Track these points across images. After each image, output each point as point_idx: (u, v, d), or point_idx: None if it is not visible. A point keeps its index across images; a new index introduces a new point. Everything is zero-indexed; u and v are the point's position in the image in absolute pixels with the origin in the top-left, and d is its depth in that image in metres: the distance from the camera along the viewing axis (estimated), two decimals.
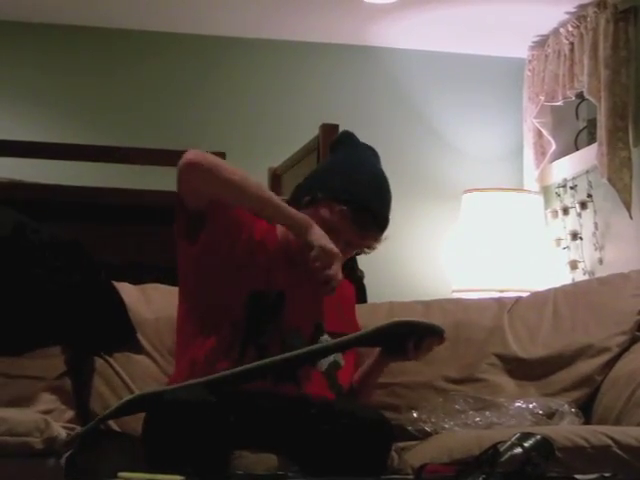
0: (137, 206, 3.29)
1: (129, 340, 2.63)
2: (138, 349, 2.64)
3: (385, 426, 2.23)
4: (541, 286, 3.66)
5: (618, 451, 2.27)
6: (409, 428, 2.56)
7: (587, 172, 4.03)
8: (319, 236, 2.27)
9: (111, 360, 2.61)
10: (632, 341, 2.81)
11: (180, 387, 2.15)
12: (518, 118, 4.51)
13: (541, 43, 4.36)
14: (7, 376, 2.46)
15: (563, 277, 4.05)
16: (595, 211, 3.99)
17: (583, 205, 4.06)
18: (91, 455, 2.22)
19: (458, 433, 2.48)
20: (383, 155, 2.56)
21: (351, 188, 2.39)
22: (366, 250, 2.45)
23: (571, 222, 4.13)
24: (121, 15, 4.27)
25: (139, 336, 2.65)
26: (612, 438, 2.29)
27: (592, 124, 4.20)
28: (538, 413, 2.56)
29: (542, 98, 4.28)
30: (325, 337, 2.38)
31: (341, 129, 3.39)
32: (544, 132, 4.35)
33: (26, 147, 3.73)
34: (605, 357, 2.76)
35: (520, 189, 4.40)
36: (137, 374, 2.60)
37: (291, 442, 2.23)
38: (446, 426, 2.52)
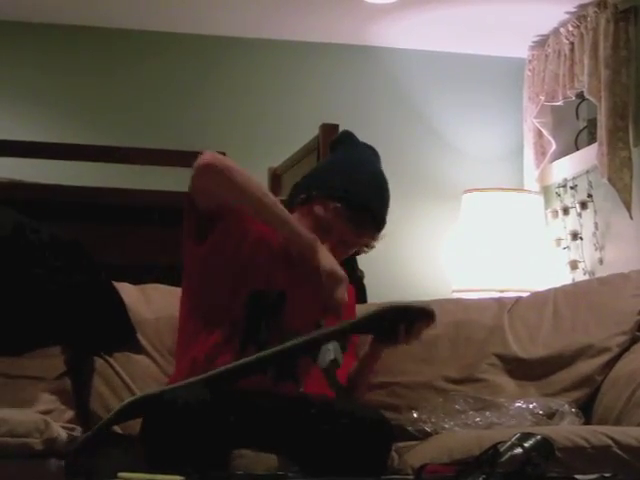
0: (137, 206, 3.29)
1: (129, 340, 2.63)
2: (138, 349, 2.64)
3: (385, 426, 2.23)
4: (541, 286, 3.66)
5: (618, 451, 2.27)
6: (409, 428, 2.56)
7: (587, 172, 4.03)
8: (326, 259, 2.26)
9: (111, 360, 2.61)
10: (632, 341, 2.80)
11: (180, 387, 2.14)
12: (518, 118, 4.51)
13: (541, 43, 4.36)
14: (7, 376, 2.46)
15: (563, 277, 4.05)
16: (595, 211, 3.99)
17: (583, 205, 4.06)
18: (91, 455, 2.22)
19: (458, 433, 2.48)
20: (383, 155, 2.56)
21: (347, 186, 2.38)
22: (364, 249, 2.45)
23: (571, 222, 4.13)
24: (121, 15, 4.27)
25: (139, 336, 2.65)
26: (612, 438, 2.29)
27: (592, 124, 4.20)
28: (538, 413, 2.56)
29: (542, 98, 4.28)
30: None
31: (341, 129, 3.39)
32: (544, 132, 4.35)
33: (26, 147, 3.73)
34: (605, 357, 2.76)
35: (520, 189, 4.40)
36: (137, 374, 2.60)
37: (291, 442, 2.23)
38: (446, 426, 2.52)
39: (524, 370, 2.78)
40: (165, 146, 3.90)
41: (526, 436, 1.84)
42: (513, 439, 1.82)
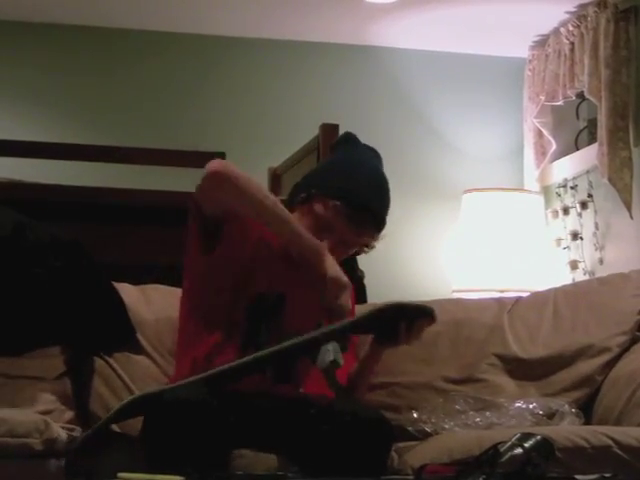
0: (137, 206, 3.29)
1: (129, 340, 2.63)
2: (138, 349, 2.63)
3: (385, 426, 2.23)
4: (541, 286, 3.66)
5: (618, 451, 2.27)
6: (409, 428, 2.56)
7: (587, 172, 4.03)
8: (331, 266, 2.26)
9: (111, 360, 2.61)
10: (632, 341, 2.80)
11: (180, 386, 2.14)
12: (518, 118, 4.51)
13: (541, 43, 4.36)
14: (7, 376, 2.46)
15: (563, 277, 4.05)
16: (595, 211, 3.99)
17: (583, 205, 4.06)
18: (91, 456, 2.22)
19: (458, 433, 2.48)
20: (383, 155, 2.56)
21: (347, 185, 2.38)
22: (365, 249, 2.45)
23: (571, 222, 4.13)
24: (121, 15, 4.27)
25: (139, 336, 2.65)
26: (612, 438, 2.29)
27: (592, 124, 4.20)
28: (538, 413, 2.56)
29: (542, 98, 4.28)
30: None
31: (341, 129, 3.41)
32: (544, 132, 4.35)
33: (26, 147, 3.73)
34: (605, 357, 2.76)
35: (520, 189, 4.39)
36: (137, 374, 2.60)
37: (291, 442, 2.23)
38: (446, 426, 2.52)
39: (524, 370, 2.78)
40: (165, 146, 3.90)
41: (526, 436, 1.83)
42: (513, 439, 1.82)
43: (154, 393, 2.17)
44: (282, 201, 2.37)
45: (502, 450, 1.79)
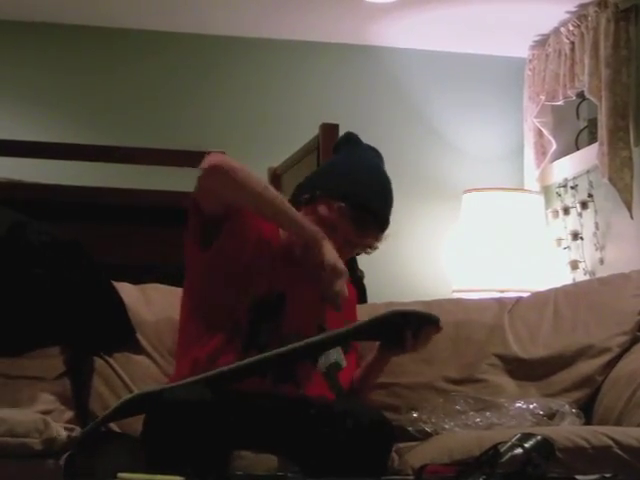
0: (137, 206, 3.29)
1: (129, 340, 2.63)
2: (138, 349, 2.63)
3: (385, 427, 2.23)
4: (542, 286, 3.65)
5: (619, 452, 2.27)
6: (409, 429, 2.56)
7: (588, 172, 4.03)
8: (328, 253, 2.27)
9: (111, 360, 2.61)
10: (633, 341, 2.80)
11: (180, 387, 2.14)
12: (518, 118, 4.51)
13: (542, 42, 4.35)
14: (7, 376, 2.46)
15: (564, 277, 4.05)
16: (596, 211, 3.99)
17: (584, 205, 4.05)
18: (90, 456, 2.22)
19: (458, 434, 2.47)
20: (383, 155, 2.56)
21: (350, 186, 2.39)
22: (368, 250, 2.45)
23: (572, 222, 4.13)
24: (121, 14, 4.27)
25: (139, 336, 2.65)
26: (613, 439, 2.29)
27: (593, 124, 4.19)
28: (539, 414, 2.56)
29: (543, 97, 4.28)
30: None
31: (341, 129, 3.40)
32: (545, 132, 4.35)
33: (27, 147, 3.73)
34: (606, 357, 2.76)
35: (521, 189, 4.39)
36: (137, 374, 2.60)
37: (291, 443, 2.23)
38: (446, 427, 2.51)
39: (524, 370, 2.78)
40: (165, 146, 3.89)
41: (526, 436, 1.83)
42: (513, 439, 1.82)
43: (153, 392, 2.16)
44: None
45: (502, 450, 1.79)
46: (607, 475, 1.93)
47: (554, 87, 4.19)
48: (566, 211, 4.17)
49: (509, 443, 1.81)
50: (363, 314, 2.66)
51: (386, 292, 3.51)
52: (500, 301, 3.04)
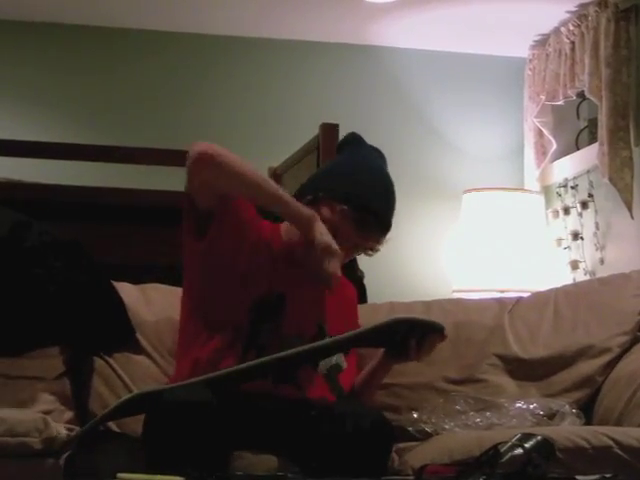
0: (137, 206, 3.29)
1: (128, 340, 2.63)
2: (137, 349, 2.63)
3: (386, 427, 2.22)
4: (542, 286, 3.65)
5: (619, 452, 2.27)
6: (409, 429, 2.56)
7: (588, 172, 4.03)
8: (321, 232, 2.27)
9: (110, 360, 2.60)
10: (633, 341, 2.80)
11: (180, 387, 2.14)
12: (519, 117, 4.51)
13: (542, 42, 4.35)
14: (7, 376, 2.46)
15: (564, 277, 4.05)
16: (596, 211, 3.99)
17: (584, 205, 4.05)
18: (90, 456, 2.22)
19: (458, 434, 2.47)
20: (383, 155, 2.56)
21: (353, 188, 2.38)
22: (369, 252, 2.44)
23: (572, 222, 4.13)
24: (121, 14, 4.27)
25: (139, 336, 2.65)
26: (613, 439, 2.29)
27: (593, 123, 4.19)
28: (539, 414, 2.56)
29: (543, 97, 4.28)
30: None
31: (341, 129, 3.41)
32: (545, 131, 4.35)
33: (27, 147, 3.73)
34: (606, 357, 2.75)
35: (521, 189, 4.39)
36: (137, 374, 2.59)
37: (291, 444, 2.23)
38: (446, 427, 2.51)
39: (525, 370, 2.78)
40: (165, 146, 3.89)
41: (527, 437, 1.83)
42: (514, 440, 1.82)
43: (153, 392, 2.16)
44: None
45: (502, 450, 1.79)
46: (607, 475, 1.93)
47: (554, 87, 4.19)
48: (566, 211, 4.16)
49: (509, 443, 1.81)
50: (363, 314, 2.66)
51: (386, 292, 3.51)
52: (500, 301, 3.04)
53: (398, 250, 4.24)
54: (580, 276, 4.02)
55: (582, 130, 4.40)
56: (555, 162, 4.35)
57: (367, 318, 2.67)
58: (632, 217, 3.70)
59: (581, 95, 4.14)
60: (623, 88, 3.73)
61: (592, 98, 3.89)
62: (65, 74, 4.35)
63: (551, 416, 2.57)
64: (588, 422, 2.65)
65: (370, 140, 2.57)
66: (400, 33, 4.40)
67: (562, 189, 4.21)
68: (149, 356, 2.64)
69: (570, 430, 2.38)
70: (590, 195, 4.01)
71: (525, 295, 3.20)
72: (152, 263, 3.13)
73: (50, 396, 2.45)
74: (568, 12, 4.10)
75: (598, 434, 2.31)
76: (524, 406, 2.58)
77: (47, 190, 3.36)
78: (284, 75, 4.49)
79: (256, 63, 4.46)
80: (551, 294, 3.00)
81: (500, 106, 4.58)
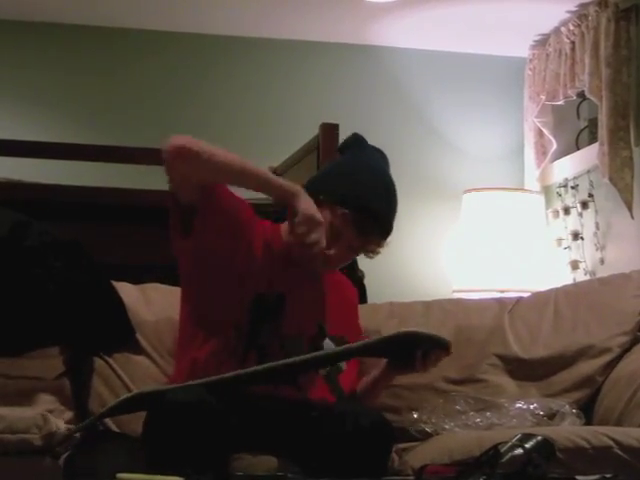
0: (137, 206, 3.29)
1: (128, 340, 2.63)
2: (137, 349, 2.63)
3: (386, 427, 2.22)
4: (542, 286, 3.65)
5: (619, 452, 2.27)
6: (410, 429, 2.56)
7: (588, 172, 4.03)
8: (305, 203, 2.27)
9: (110, 360, 2.60)
10: (633, 342, 2.80)
11: (181, 387, 2.14)
12: (519, 117, 4.51)
13: (542, 42, 4.35)
14: (7, 376, 2.46)
15: (564, 277, 4.05)
16: (596, 211, 3.99)
17: (584, 205, 4.05)
18: (90, 456, 2.22)
19: (459, 434, 2.47)
20: None
21: (354, 191, 2.37)
22: (370, 255, 2.43)
23: (572, 222, 4.13)
24: (121, 14, 4.27)
25: (138, 336, 2.65)
26: (613, 439, 2.29)
27: (593, 123, 4.19)
28: (539, 414, 2.56)
29: (543, 97, 4.28)
30: (327, 341, 2.37)
31: (341, 129, 3.40)
32: (545, 131, 4.35)
33: (27, 147, 3.72)
34: (606, 358, 2.75)
35: (521, 189, 4.39)
36: (136, 374, 2.59)
37: (292, 444, 2.22)
38: (446, 427, 2.51)
39: (525, 370, 2.78)
40: None
41: (527, 437, 1.83)
42: (514, 440, 1.82)
43: (153, 392, 2.16)
44: None
45: (503, 451, 1.79)
46: (607, 475, 1.93)
47: (554, 87, 4.19)
48: (566, 211, 4.16)
49: (509, 443, 1.81)
50: (363, 314, 2.66)
51: (386, 292, 3.51)
52: (500, 301, 3.04)
53: (398, 250, 4.24)
54: (580, 276, 4.02)
55: (582, 130, 4.40)
56: (555, 162, 4.35)
57: (367, 319, 2.68)
58: (632, 217, 3.69)
59: (581, 95, 4.14)
60: (623, 88, 3.73)
61: (592, 98, 3.89)
62: (65, 74, 4.35)
63: (551, 416, 2.57)
64: (588, 422, 2.65)
65: (370, 140, 2.56)
66: (400, 33, 4.39)
67: (562, 189, 4.21)
68: (149, 356, 2.64)
69: (570, 430, 2.38)
70: (590, 195, 4.01)
71: (525, 295, 3.20)
72: (152, 263, 3.12)
73: (50, 396, 2.45)
74: (568, 12, 4.10)
75: (598, 434, 2.31)
76: (524, 406, 2.58)
77: (47, 190, 3.36)
78: (284, 75, 4.49)
79: (256, 63, 4.46)
80: (551, 294, 2.99)
81: (500, 106, 4.58)
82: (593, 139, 4.16)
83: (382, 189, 2.43)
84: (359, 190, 2.38)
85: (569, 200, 4.16)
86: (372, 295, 3.29)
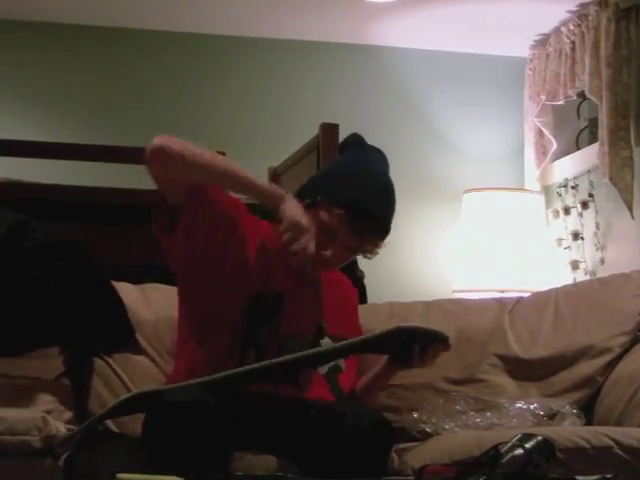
0: (137, 206, 3.28)
1: (128, 340, 2.63)
2: (137, 349, 2.63)
3: (385, 427, 2.22)
4: (542, 286, 3.65)
5: (619, 452, 2.26)
6: (410, 429, 2.56)
7: (588, 172, 4.03)
8: (291, 209, 2.25)
9: (110, 360, 2.60)
10: (634, 342, 2.80)
11: (179, 387, 2.14)
12: (519, 117, 4.51)
13: (542, 42, 4.35)
14: (7, 376, 2.46)
15: (564, 277, 4.05)
16: (596, 211, 3.99)
17: (584, 205, 4.05)
18: (90, 456, 2.22)
19: (459, 434, 2.47)
20: None
21: (351, 192, 2.36)
22: (367, 255, 2.43)
23: (572, 222, 4.13)
24: (121, 14, 4.27)
25: (138, 336, 2.65)
26: (613, 439, 2.28)
27: (593, 123, 4.19)
28: (539, 414, 2.55)
29: (543, 97, 4.28)
30: (326, 341, 2.37)
31: (341, 129, 3.40)
32: (545, 131, 4.35)
33: (27, 147, 3.72)
34: (606, 358, 2.75)
35: (521, 189, 4.39)
36: (136, 374, 2.59)
37: (291, 444, 2.22)
38: (447, 427, 2.51)
39: (525, 371, 2.77)
40: None
41: (527, 437, 1.83)
42: (514, 440, 1.82)
43: (153, 392, 2.16)
44: None
45: (503, 451, 1.79)
46: (608, 476, 1.92)
47: (555, 87, 4.19)
48: (567, 211, 4.16)
49: (509, 443, 1.81)
50: (363, 314, 2.66)
51: (386, 292, 3.51)
52: (500, 301, 3.04)
53: (398, 250, 4.24)
54: (580, 276, 4.02)
55: (582, 130, 4.40)
56: (555, 162, 4.35)
57: (367, 319, 2.67)
58: (632, 217, 3.69)
59: (581, 95, 4.14)
60: (623, 88, 3.73)
61: (592, 98, 3.89)
62: (65, 74, 4.35)
63: (551, 416, 2.56)
64: (588, 422, 2.64)
65: (370, 140, 2.56)
66: (400, 33, 4.40)
67: (562, 189, 4.21)
68: (148, 356, 2.64)
69: (570, 430, 2.38)
70: (590, 195, 4.01)
71: (525, 295, 3.20)
72: (152, 263, 3.10)
73: (50, 396, 2.45)
74: (568, 12, 4.10)
75: (598, 434, 2.31)
76: (524, 406, 2.57)
77: (47, 190, 3.36)
78: (284, 75, 4.49)
79: (256, 63, 4.46)
80: (551, 294, 2.99)
81: (500, 106, 4.58)
82: (593, 139, 4.16)
83: (380, 190, 2.42)
84: (356, 191, 2.37)
85: (569, 200, 4.16)
86: (372, 295, 3.29)
